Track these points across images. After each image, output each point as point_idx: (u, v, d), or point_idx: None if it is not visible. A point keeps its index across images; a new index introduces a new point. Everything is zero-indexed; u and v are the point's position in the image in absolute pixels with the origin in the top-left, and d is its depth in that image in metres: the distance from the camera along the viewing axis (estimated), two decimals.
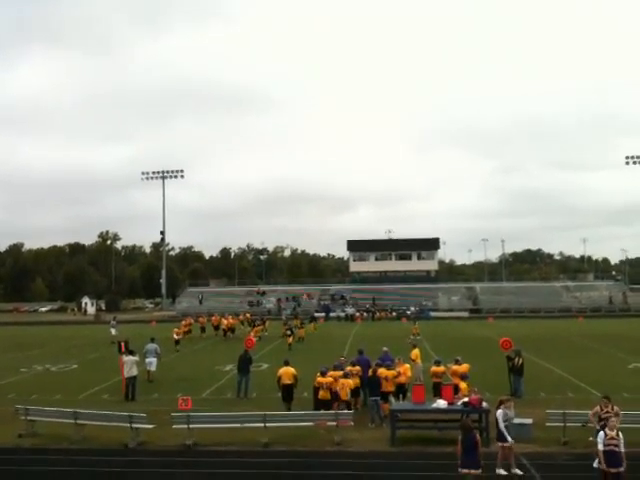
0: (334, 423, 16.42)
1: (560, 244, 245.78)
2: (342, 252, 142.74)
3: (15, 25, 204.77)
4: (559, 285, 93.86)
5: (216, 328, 47.86)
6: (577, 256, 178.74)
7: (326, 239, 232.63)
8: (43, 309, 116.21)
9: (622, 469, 11.54)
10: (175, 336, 36.34)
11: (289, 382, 20.02)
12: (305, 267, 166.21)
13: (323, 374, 19.01)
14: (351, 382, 18.76)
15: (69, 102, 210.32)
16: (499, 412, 13.93)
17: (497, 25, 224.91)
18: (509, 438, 13.67)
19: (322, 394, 18.65)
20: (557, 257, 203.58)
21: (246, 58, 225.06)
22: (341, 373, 19.15)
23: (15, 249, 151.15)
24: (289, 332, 37.53)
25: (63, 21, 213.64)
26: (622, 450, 11.61)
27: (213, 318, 49.42)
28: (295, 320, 48.03)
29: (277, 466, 14.78)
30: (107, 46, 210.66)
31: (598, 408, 13.82)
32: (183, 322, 48.07)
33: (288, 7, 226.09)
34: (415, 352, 23.95)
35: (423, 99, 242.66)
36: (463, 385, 17.71)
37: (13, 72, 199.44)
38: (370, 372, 19.07)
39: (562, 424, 15.87)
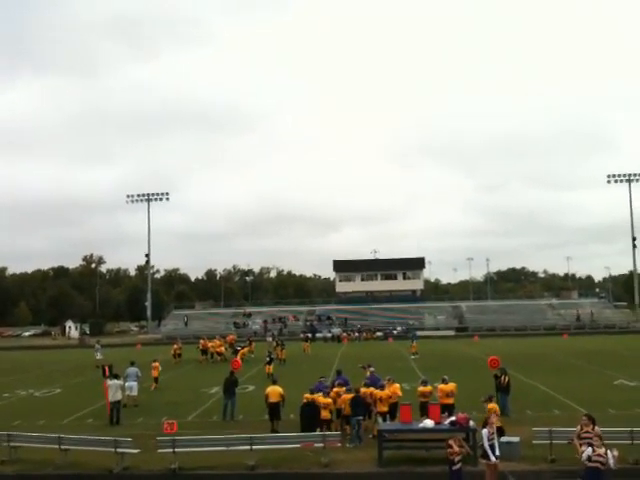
0: (321, 445, 16.35)
1: (544, 262, 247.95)
2: (328, 272, 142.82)
3: (0, 48, 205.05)
4: (544, 303, 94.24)
5: (204, 352, 47.00)
6: (561, 274, 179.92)
7: (312, 260, 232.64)
8: (27, 333, 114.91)
9: None
10: (154, 373, 31.98)
11: (276, 400, 20.19)
12: (291, 288, 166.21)
13: (327, 394, 19.36)
14: (349, 397, 18.96)
15: (54, 125, 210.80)
16: (484, 431, 13.97)
17: (478, 43, 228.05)
18: (492, 457, 13.67)
19: (324, 414, 18.86)
20: (541, 275, 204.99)
21: (231, 79, 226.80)
22: (343, 389, 19.56)
23: None
24: (268, 359, 36.17)
25: (49, 44, 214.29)
26: (612, 467, 11.66)
27: (202, 342, 48.46)
28: (275, 343, 47.41)
29: None
30: (92, 69, 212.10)
31: (579, 427, 13.84)
32: (175, 346, 47.46)
33: (268, 33, 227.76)
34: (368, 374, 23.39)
35: (406, 117, 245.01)
36: (491, 405, 17.30)
37: None
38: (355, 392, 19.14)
39: (549, 441, 15.88)
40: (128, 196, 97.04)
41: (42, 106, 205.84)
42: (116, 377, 23.60)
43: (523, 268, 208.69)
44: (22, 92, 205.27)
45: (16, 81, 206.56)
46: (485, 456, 13.80)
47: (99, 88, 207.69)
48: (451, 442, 12.57)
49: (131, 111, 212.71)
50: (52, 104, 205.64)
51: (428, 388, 20.48)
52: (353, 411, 18.60)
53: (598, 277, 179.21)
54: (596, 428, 13.56)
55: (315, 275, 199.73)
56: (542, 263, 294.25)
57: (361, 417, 18.64)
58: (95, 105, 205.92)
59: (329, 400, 19.10)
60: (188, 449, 16.42)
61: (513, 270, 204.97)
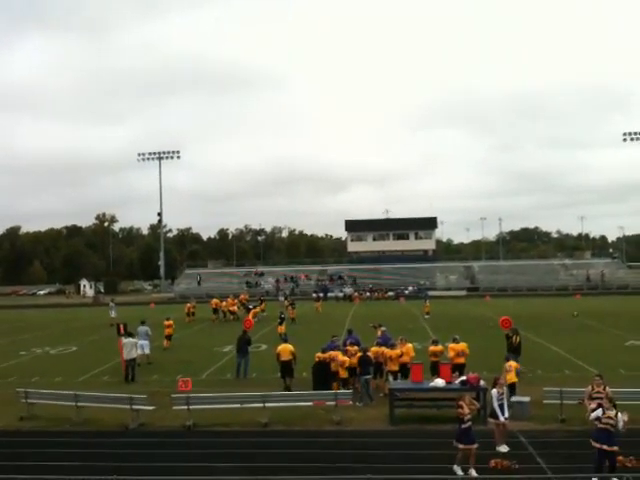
0: (333, 403, 16.56)
1: (557, 222, 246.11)
2: (340, 232, 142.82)
3: (9, 8, 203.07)
4: (556, 263, 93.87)
5: (215, 312, 47.37)
6: (574, 234, 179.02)
7: (324, 220, 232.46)
8: (41, 292, 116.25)
9: (616, 448, 11.69)
10: (168, 330, 31.56)
11: (287, 358, 20.53)
12: (303, 247, 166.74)
13: (345, 353, 19.69)
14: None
15: (64, 85, 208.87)
16: (494, 391, 14.10)
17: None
18: (501, 417, 13.83)
19: (342, 373, 19.15)
20: (554, 235, 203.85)
21: (242, 38, 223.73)
22: (356, 348, 19.82)
23: (12, 232, 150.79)
24: (280, 319, 35.94)
25: (57, 3, 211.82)
26: (621, 429, 11.73)
27: (213, 301, 48.84)
28: (287, 303, 47.57)
29: (277, 446, 14.89)
30: (101, 28, 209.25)
31: (590, 388, 13.89)
32: (188, 304, 47.84)
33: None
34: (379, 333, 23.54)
35: (420, 79, 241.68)
36: (514, 364, 17.68)
37: (8, 55, 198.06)
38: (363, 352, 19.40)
39: (559, 402, 15.98)
40: (139, 154, 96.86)
41: (52, 65, 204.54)
42: (131, 335, 23.90)
43: (536, 228, 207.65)
44: (32, 51, 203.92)
45: (25, 40, 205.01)
46: (494, 416, 13.95)
47: (110, 47, 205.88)
48: (461, 403, 12.70)
49: (142, 70, 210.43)
50: (62, 63, 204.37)
51: (439, 347, 20.60)
52: (361, 370, 18.86)
53: (612, 237, 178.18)
54: (607, 389, 13.61)
55: (327, 235, 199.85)
56: (555, 223, 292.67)
57: (369, 376, 18.89)
58: (105, 64, 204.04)
59: (347, 359, 19.30)
60: (202, 406, 16.68)
61: (526, 230, 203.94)
